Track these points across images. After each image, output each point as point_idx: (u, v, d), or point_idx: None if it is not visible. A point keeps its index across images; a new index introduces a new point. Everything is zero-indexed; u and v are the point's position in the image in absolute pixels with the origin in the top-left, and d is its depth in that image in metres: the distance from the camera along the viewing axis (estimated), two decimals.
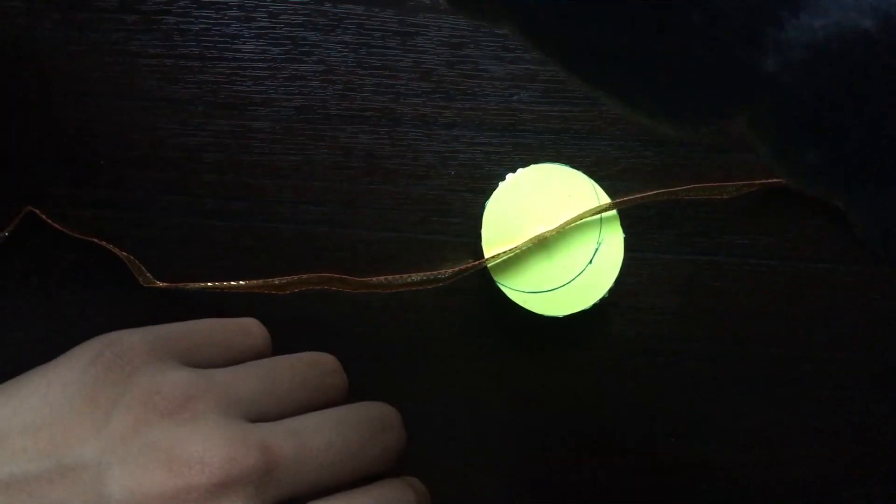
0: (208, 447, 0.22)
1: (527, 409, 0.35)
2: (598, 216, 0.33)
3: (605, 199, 0.33)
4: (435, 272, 0.33)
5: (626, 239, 0.33)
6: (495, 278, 0.33)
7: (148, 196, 0.34)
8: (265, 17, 0.34)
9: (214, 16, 0.34)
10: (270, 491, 0.22)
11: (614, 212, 0.33)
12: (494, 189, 0.34)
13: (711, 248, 0.35)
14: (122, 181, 0.34)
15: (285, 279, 0.33)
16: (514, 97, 0.35)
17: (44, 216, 0.33)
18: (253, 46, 0.34)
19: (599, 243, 0.33)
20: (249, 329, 0.28)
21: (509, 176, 0.34)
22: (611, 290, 0.33)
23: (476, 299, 0.35)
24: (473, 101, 0.35)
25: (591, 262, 0.33)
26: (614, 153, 0.35)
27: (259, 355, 0.27)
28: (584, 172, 0.34)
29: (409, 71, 0.34)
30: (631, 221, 0.34)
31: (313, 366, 0.27)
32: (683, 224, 0.35)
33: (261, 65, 0.34)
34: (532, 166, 0.34)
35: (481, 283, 0.34)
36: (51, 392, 0.22)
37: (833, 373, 0.35)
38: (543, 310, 0.33)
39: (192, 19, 0.34)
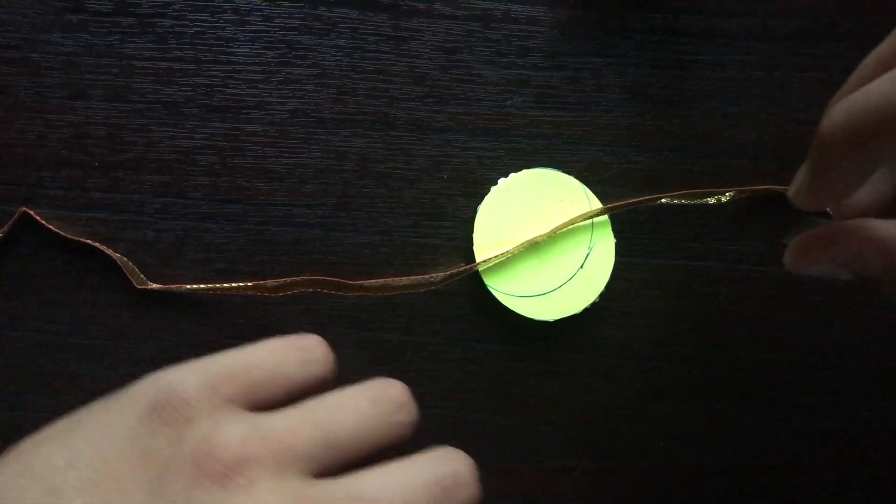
0: None
1: (517, 412, 0.35)
2: (589, 221, 0.34)
3: (597, 204, 0.34)
4: (427, 275, 0.33)
5: (617, 244, 0.34)
6: (487, 282, 0.33)
7: (142, 198, 0.34)
8: (260, 21, 0.34)
9: (209, 19, 0.34)
10: None
11: (605, 217, 0.34)
12: (487, 193, 0.34)
13: (702, 253, 0.35)
14: (116, 183, 0.34)
15: (278, 281, 0.33)
16: (507, 102, 0.35)
17: (38, 217, 0.33)
18: (247, 50, 0.34)
19: (591, 248, 0.34)
20: (313, 353, 0.25)
21: (501, 180, 0.34)
22: (601, 295, 0.33)
23: (468, 303, 0.35)
24: (467, 105, 0.35)
25: (582, 266, 0.34)
26: (606, 158, 0.35)
27: (323, 383, 0.25)
28: (576, 177, 0.34)
29: (403, 75, 0.35)
30: (622, 226, 0.35)
31: (379, 402, 0.25)
32: (675, 229, 0.35)
33: (255, 68, 0.34)
34: (524, 171, 0.34)
35: (473, 287, 0.34)
36: (105, 445, 0.22)
37: (822, 378, 0.36)
38: (534, 314, 0.33)
39: (187, 22, 0.34)
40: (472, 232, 0.33)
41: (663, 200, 0.34)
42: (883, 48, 0.22)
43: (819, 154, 0.21)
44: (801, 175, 0.23)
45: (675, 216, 0.35)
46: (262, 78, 0.34)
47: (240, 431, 0.22)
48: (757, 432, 0.36)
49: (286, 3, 0.34)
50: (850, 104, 0.20)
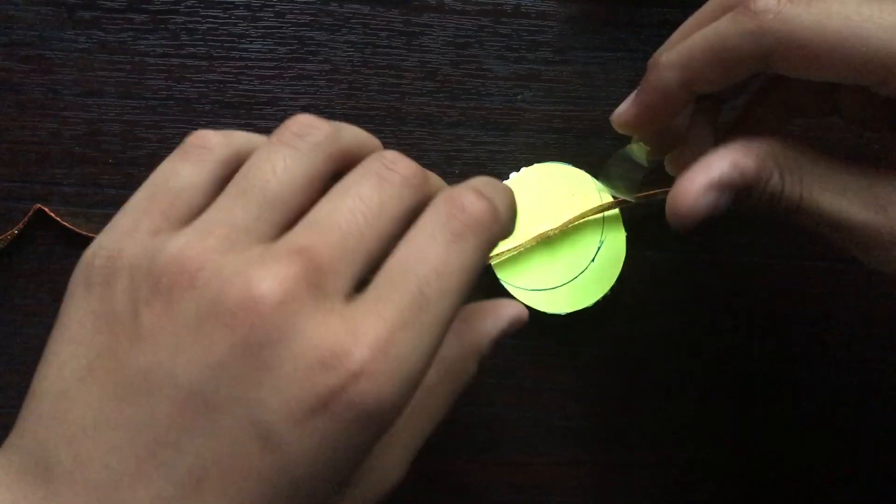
0: (246, 288, 0.20)
1: (529, 406, 0.35)
2: (600, 215, 0.34)
3: (608, 198, 0.34)
4: None
5: (627, 237, 0.34)
6: (499, 276, 0.33)
7: None
8: (272, 17, 0.34)
9: (222, 15, 0.34)
10: (331, 282, 0.20)
11: (616, 210, 0.34)
12: None
13: (712, 246, 0.36)
14: (130, 180, 0.34)
15: None
16: (518, 97, 0.35)
17: (52, 214, 0.33)
18: (259, 46, 0.34)
19: (602, 241, 0.34)
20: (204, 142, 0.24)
21: (513, 175, 0.34)
22: (613, 288, 0.34)
23: (479, 297, 0.35)
24: (478, 100, 0.35)
25: (593, 260, 0.34)
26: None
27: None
28: (587, 171, 0.34)
29: (414, 70, 0.35)
30: (633, 219, 0.35)
31: (299, 135, 0.23)
32: None
33: (267, 64, 0.34)
34: (535, 165, 0.34)
35: (485, 281, 0.35)
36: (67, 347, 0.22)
37: (832, 372, 0.36)
38: (547, 307, 0.33)
39: (200, 19, 0.34)
40: None
41: None
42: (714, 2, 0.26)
43: (652, 83, 0.26)
44: (626, 103, 0.27)
45: None
46: (274, 74, 0.34)
47: (176, 246, 0.21)
48: (768, 426, 0.36)
49: None
50: (690, 42, 0.25)
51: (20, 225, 0.33)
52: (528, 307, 0.33)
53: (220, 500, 0.19)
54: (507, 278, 0.33)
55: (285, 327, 0.19)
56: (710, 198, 0.25)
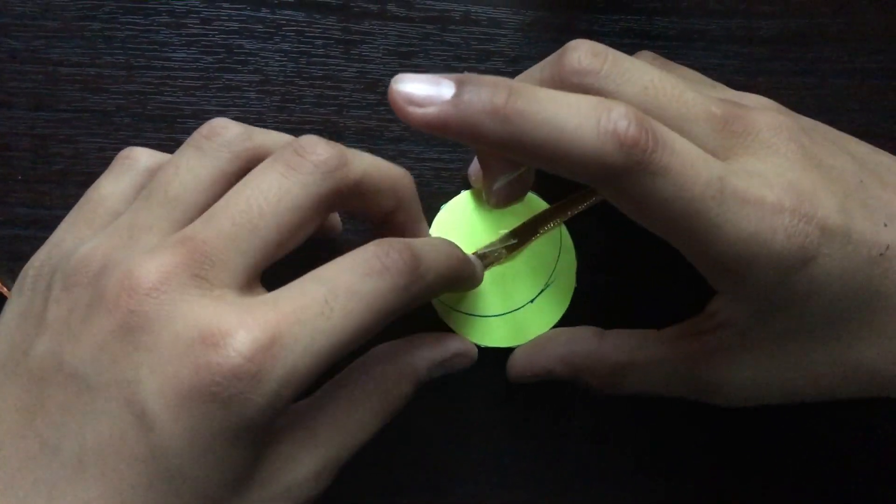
0: (126, 276, 0.21)
1: (478, 443, 0.33)
2: (556, 249, 0.31)
3: (559, 219, 0.31)
4: None
5: (577, 256, 0.31)
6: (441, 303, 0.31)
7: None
8: (197, 24, 0.32)
9: (142, 22, 0.32)
10: (218, 271, 0.21)
11: (572, 251, 0.31)
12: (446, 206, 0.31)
13: (669, 270, 0.33)
14: (41, 198, 0.32)
15: None
16: None
17: None
18: (184, 54, 0.32)
19: (549, 284, 0.31)
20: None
21: (443, 207, 0.31)
22: (566, 313, 0.31)
23: (421, 326, 0.32)
24: None
25: (532, 301, 0.31)
26: None
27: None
28: (533, 191, 0.31)
29: (353, 81, 0.32)
30: (583, 240, 0.32)
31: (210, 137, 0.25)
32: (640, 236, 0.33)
33: (192, 74, 0.32)
34: (467, 191, 0.32)
35: (427, 310, 0.32)
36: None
37: (800, 406, 0.33)
38: (493, 341, 0.31)
39: (118, 25, 0.31)
40: None
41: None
42: None
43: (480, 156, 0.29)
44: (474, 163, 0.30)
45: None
46: (199, 85, 0.32)
47: (82, 252, 0.23)
48: (734, 464, 0.33)
49: (225, 5, 0.32)
50: (545, 112, 0.22)
51: None
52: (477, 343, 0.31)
53: (98, 483, 0.20)
54: (449, 303, 0.31)
55: (163, 311, 0.20)
56: (534, 377, 0.30)
